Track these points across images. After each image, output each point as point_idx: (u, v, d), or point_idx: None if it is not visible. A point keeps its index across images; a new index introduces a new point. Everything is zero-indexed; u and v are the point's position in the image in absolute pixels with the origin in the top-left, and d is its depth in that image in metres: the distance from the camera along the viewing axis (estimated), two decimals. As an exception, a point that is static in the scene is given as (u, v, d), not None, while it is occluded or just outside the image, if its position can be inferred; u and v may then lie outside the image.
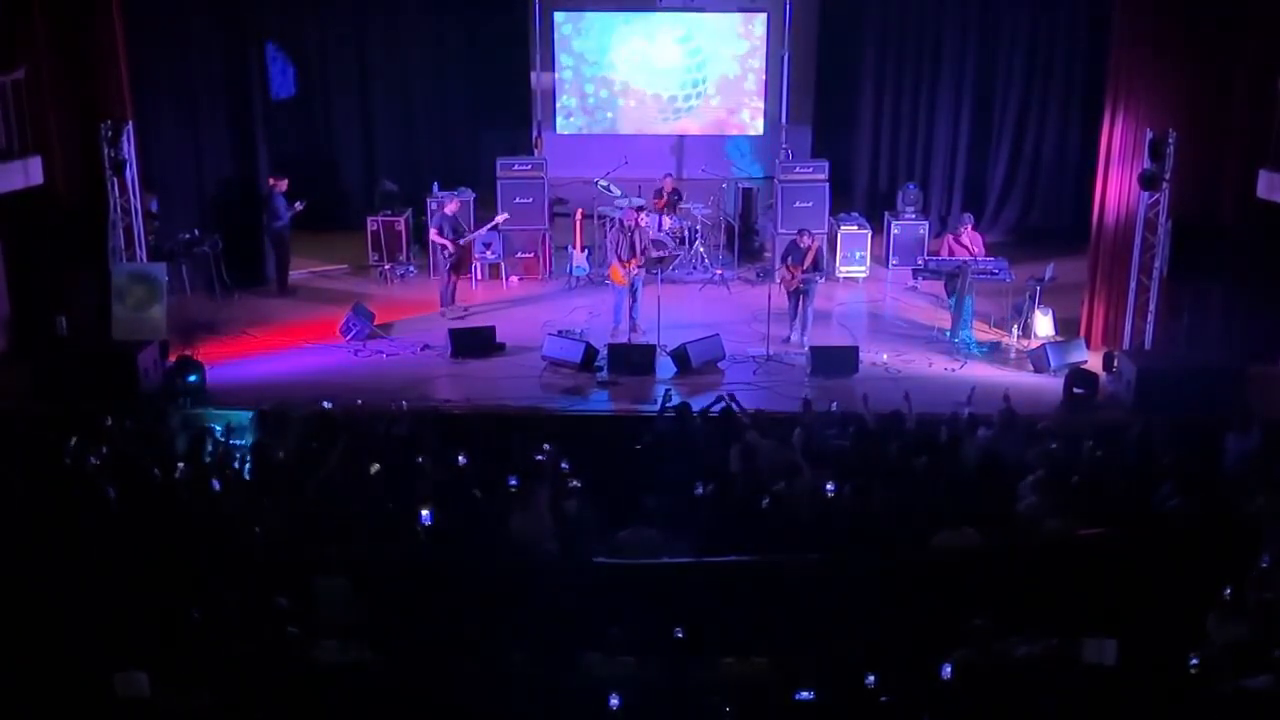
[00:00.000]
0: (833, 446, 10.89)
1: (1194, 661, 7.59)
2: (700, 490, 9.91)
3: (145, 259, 14.81)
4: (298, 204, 16.57)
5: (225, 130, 16.54)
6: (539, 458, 10.61)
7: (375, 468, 10.15)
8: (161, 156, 16.16)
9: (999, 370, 14.08)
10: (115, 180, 14.24)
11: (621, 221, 15.03)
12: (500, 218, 16.43)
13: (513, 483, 10.02)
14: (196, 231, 16.21)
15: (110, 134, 14.05)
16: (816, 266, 14.76)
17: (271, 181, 16.63)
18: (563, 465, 10.63)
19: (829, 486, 9.77)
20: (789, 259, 14.81)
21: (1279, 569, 8.41)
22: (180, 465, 10.30)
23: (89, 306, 14.44)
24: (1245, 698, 7.12)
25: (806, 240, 14.69)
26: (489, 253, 16.92)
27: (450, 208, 15.88)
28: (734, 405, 11.82)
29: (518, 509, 9.53)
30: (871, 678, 7.24)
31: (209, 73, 16.28)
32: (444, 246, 15.71)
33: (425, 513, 9.30)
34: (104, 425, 11.12)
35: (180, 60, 16.06)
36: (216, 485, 9.81)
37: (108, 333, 14.17)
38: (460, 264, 16.00)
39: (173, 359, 13.76)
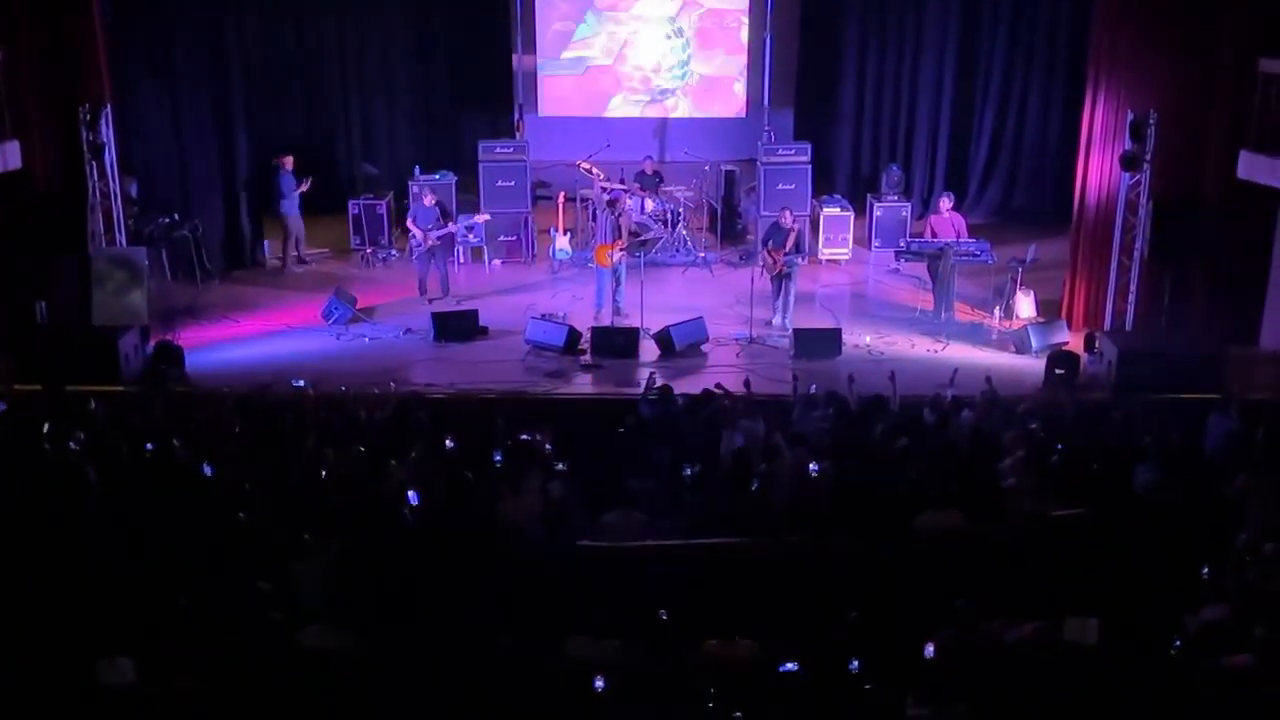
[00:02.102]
0: (815, 429, 10.91)
1: (1175, 643, 7.65)
2: (689, 472, 9.91)
3: (125, 244, 14.75)
4: (303, 184, 16.55)
5: (205, 113, 16.41)
6: (524, 436, 10.62)
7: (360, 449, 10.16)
8: (140, 140, 16.06)
9: (981, 351, 14.14)
10: (94, 164, 14.16)
11: (614, 200, 14.98)
12: (481, 217, 16.33)
13: (498, 458, 10.03)
14: (176, 216, 16.11)
15: (89, 117, 13.97)
16: (797, 248, 14.77)
17: (276, 160, 16.60)
18: (547, 447, 10.65)
19: (812, 467, 9.79)
20: (770, 242, 14.81)
21: (1258, 548, 8.47)
22: (162, 449, 10.27)
23: (69, 292, 14.35)
24: (1226, 677, 7.17)
25: (789, 220, 14.70)
26: (471, 236, 16.86)
27: (427, 200, 15.73)
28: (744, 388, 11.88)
29: (505, 492, 9.53)
30: (855, 663, 7.26)
31: (188, 55, 16.14)
32: (414, 234, 15.60)
33: (412, 493, 9.31)
34: (87, 410, 11.08)
35: (159, 43, 15.94)
36: (204, 471, 9.78)
37: (88, 318, 14.11)
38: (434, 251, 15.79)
39: (153, 344, 13.71)
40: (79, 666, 7.03)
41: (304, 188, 16.70)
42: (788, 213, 14.91)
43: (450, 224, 15.65)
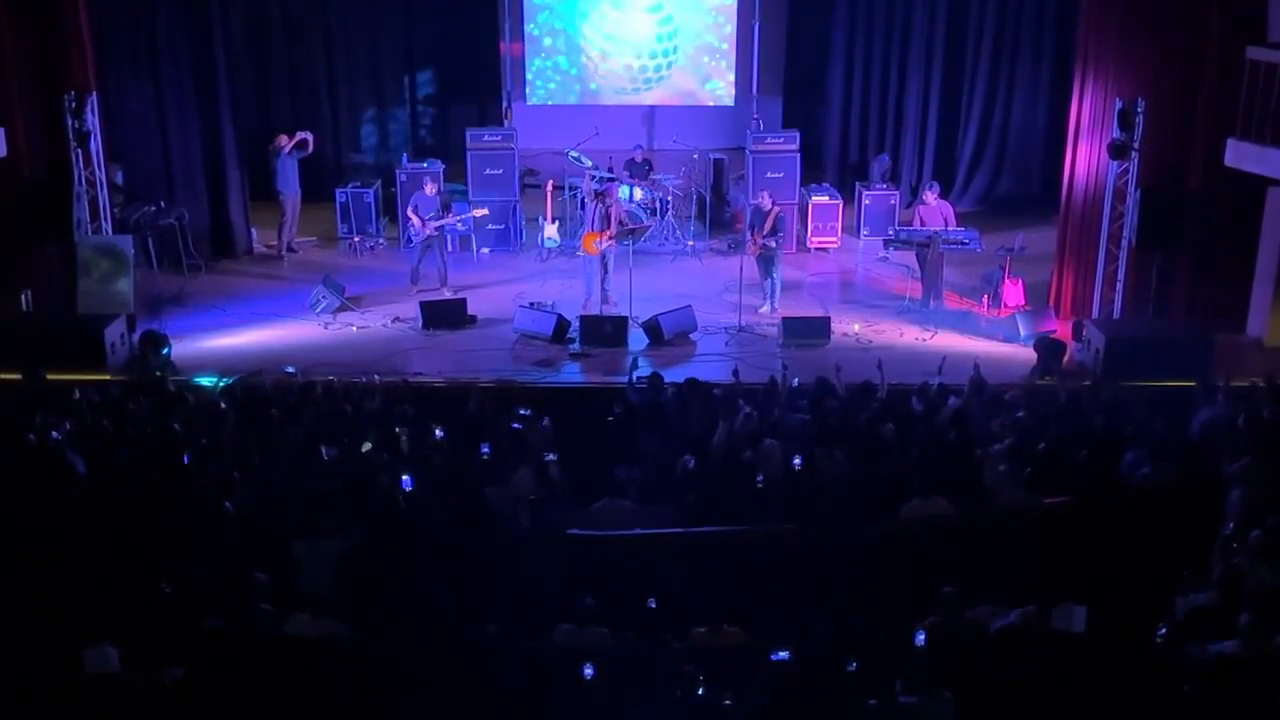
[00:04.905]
0: (800, 419, 10.90)
1: (1161, 630, 7.68)
2: (691, 464, 9.90)
3: (110, 232, 14.67)
4: (287, 149, 16.50)
5: (190, 101, 16.29)
6: (515, 426, 10.63)
7: (367, 446, 10.12)
8: (126, 128, 15.99)
9: (969, 340, 14.14)
10: (79, 152, 14.10)
11: (601, 192, 14.94)
12: (479, 212, 16.29)
13: (485, 450, 10.03)
14: (162, 204, 16.05)
15: (74, 105, 13.91)
16: (775, 231, 14.75)
17: (272, 144, 16.65)
18: (544, 423, 10.67)
19: (796, 461, 9.81)
20: (753, 226, 14.86)
21: (1245, 534, 8.50)
22: (149, 439, 10.24)
23: (55, 280, 14.29)
24: (1212, 663, 7.20)
25: (767, 202, 14.74)
26: (459, 224, 16.80)
27: (429, 189, 15.63)
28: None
29: (492, 481, 9.53)
30: (854, 665, 7.27)
31: (173, 43, 16.03)
32: (413, 223, 15.47)
33: (406, 478, 9.31)
34: (72, 398, 11.04)
35: (144, 30, 15.85)
36: (186, 459, 9.75)
37: (74, 307, 14.05)
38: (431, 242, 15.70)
39: (139, 333, 13.65)
40: (64, 654, 7.01)
41: (299, 140, 16.61)
42: (766, 195, 14.93)
43: (449, 216, 15.55)
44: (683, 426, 10.74)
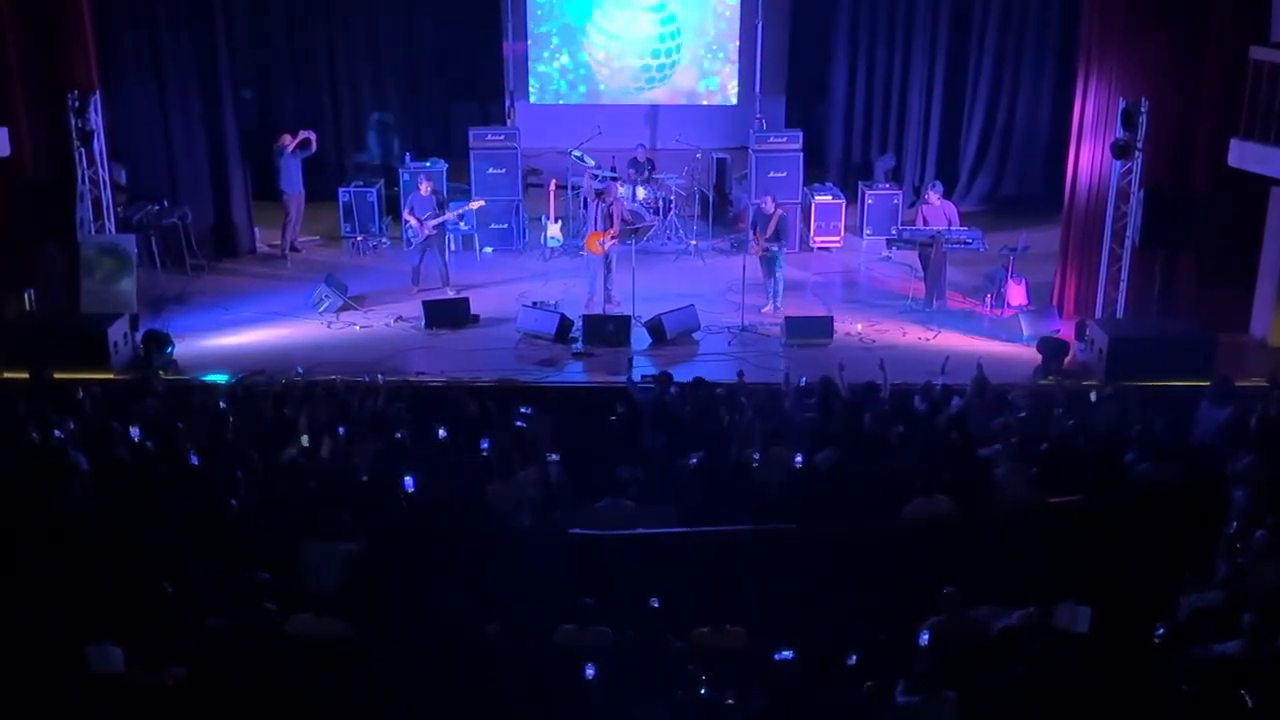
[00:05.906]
0: (803, 419, 10.90)
1: (1160, 630, 7.67)
2: (694, 460, 9.90)
3: (113, 231, 14.67)
4: (290, 148, 16.43)
5: (194, 101, 16.30)
6: (518, 424, 10.62)
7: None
8: (129, 127, 15.99)
9: (972, 339, 14.12)
10: (83, 151, 14.09)
11: (602, 191, 14.94)
12: (475, 204, 16.32)
13: (484, 446, 10.03)
14: (165, 203, 16.05)
15: (77, 104, 13.89)
16: (778, 235, 14.75)
17: (277, 143, 16.60)
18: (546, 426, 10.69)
19: (797, 459, 9.80)
20: (756, 228, 14.88)
21: (1249, 534, 8.49)
22: (151, 437, 10.24)
23: (58, 280, 14.29)
24: (1216, 664, 7.19)
25: (770, 206, 14.74)
26: (462, 224, 16.80)
27: (424, 189, 15.64)
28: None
29: (495, 479, 9.53)
30: (854, 658, 7.26)
31: (176, 42, 16.04)
32: (410, 224, 15.48)
33: (408, 479, 9.31)
34: (76, 398, 11.05)
35: (147, 29, 15.86)
36: (194, 460, 9.75)
37: (77, 306, 14.06)
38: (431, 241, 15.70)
39: (142, 332, 13.66)
40: (68, 653, 7.02)
41: (302, 139, 16.58)
42: (769, 199, 14.94)
43: (446, 213, 15.56)
44: (687, 425, 10.74)
